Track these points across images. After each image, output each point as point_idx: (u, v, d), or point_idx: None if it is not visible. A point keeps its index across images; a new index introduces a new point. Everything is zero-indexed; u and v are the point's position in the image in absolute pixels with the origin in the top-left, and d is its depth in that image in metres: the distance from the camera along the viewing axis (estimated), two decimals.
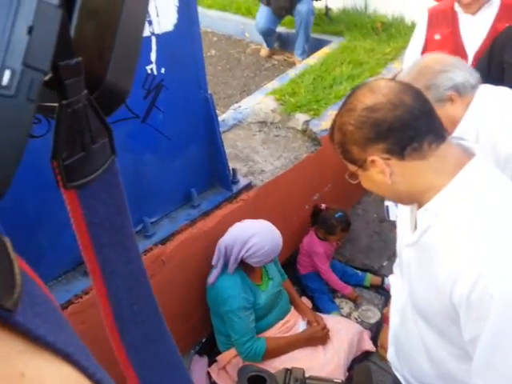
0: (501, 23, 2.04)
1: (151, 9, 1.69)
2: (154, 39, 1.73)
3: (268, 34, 3.79)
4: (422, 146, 0.87)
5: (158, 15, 1.71)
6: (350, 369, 2.14)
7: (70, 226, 0.33)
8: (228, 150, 2.60)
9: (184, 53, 1.85)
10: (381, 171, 0.90)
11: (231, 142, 2.72)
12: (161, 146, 1.91)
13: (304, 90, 3.01)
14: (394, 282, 1.24)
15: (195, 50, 1.90)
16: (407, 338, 1.13)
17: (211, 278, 1.98)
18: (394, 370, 1.27)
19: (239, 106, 3.03)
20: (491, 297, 0.82)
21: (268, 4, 3.61)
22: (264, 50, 4.00)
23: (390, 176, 0.90)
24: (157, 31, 1.73)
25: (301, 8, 3.51)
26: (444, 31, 2.18)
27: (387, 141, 0.87)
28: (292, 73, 3.33)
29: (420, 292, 1.01)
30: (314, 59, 3.42)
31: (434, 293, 0.94)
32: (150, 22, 1.70)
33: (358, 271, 2.70)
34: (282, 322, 2.13)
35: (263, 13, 3.66)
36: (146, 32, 1.70)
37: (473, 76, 1.41)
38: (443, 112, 1.36)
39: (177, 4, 1.76)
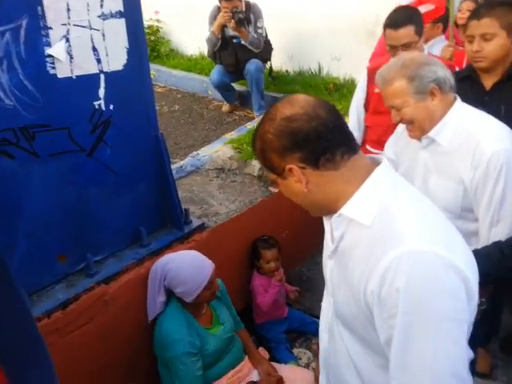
0: None
1: (100, 48, 1.75)
2: (102, 76, 1.78)
3: (222, 88, 4.01)
4: (335, 157, 0.91)
5: (107, 54, 1.78)
6: None
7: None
8: (184, 194, 2.61)
9: (133, 92, 1.90)
10: (298, 180, 0.93)
11: (187, 187, 2.73)
12: (107, 181, 1.89)
13: None
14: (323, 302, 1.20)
15: (145, 90, 1.96)
16: (335, 355, 1.08)
17: (149, 314, 1.90)
18: None
19: (197, 154, 3.08)
20: (397, 291, 0.81)
21: (220, 63, 3.96)
22: (225, 106, 4.18)
23: (306, 185, 0.93)
24: (105, 69, 1.78)
25: (249, 67, 3.79)
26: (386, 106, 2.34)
27: (303, 150, 0.91)
28: (250, 125, 3.45)
29: (340, 299, 1.00)
30: None
31: (351, 297, 0.93)
32: (99, 61, 1.76)
33: (317, 319, 2.62)
34: (233, 370, 2.01)
35: (216, 69, 4.00)
36: (95, 69, 1.76)
37: (451, 77, 1.50)
38: (423, 106, 1.45)
39: (127, 46, 1.83)
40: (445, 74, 1.46)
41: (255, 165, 2.87)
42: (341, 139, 0.92)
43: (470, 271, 0.87)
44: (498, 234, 1.44)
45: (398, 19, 2.07)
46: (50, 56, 1.61)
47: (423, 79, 1.42)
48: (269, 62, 4.09)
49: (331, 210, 0.97)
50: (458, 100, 1.52)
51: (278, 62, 4.32)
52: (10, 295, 0.61)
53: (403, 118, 1.49)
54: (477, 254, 1.39)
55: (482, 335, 2.20)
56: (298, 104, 0.93)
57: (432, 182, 1.57)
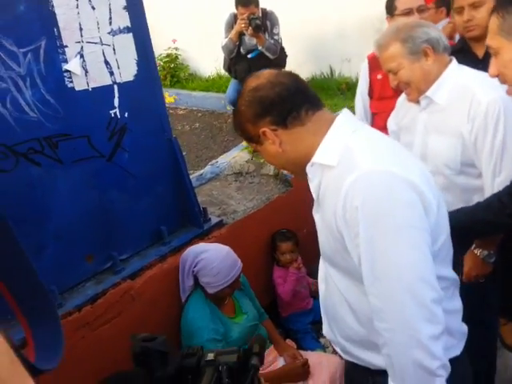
0: None
1: (112, 61, 1.93)
2: (116, 87, 1.95)
3: None
4: (300, 115, 1.03)
5: (118, 67, 1.95)
6: None
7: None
8: (203, 198, 2.72)
9: (145, 99, 2.06)
10: (272, 141, 1.05)
11: (207, 192, 2.85)
12: (127, 184, 2.03)
13: None
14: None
15: (156, 97, 2.11)
16: (330, 298, 1.16)
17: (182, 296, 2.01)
18: (333, 345, 1.27)
19: (216, 162, 3.21)
20: (356, 209, 0.89)
21: (235, 77, 4.01)
22: None
23: (279, 145, 1.05)
24: (118, 80, 1.95)
25: None
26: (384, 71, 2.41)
27: (271, 114, 1.03)
28: None
29: (322, 240, 1.10)
30: None
31: (328, 233, 1.03)
32: (112, 73, 1.93)
33: None
34: None
35: (231, 86, 4.11)
36: (108, 81, 1.93)
37: (445, 38, 1.56)
38: (418, 67, 1.52)
39: (136, 58, 2.00)
40: (438, 35, 1.52)
41: (271, 165, 2.96)
42: (303, 99, 1.04)
43: (426, 187, 0.94)
44: (502, 184, 1.44)
45: None
46: (68, 71, 1.79)
47: (416, 40, 1.49)
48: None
49: (305, 165, 1.06)
50: (454, 61, 1.56)
51: (290, 68, 4.46)
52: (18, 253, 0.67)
53: (400, 80, 1.55)
54: (478, 205, 1.42)
55: (507, 307, 2.15)
56: (263, 76, 1.07)
57: (431, 141, 1.60)
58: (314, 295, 2.67)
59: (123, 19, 1.95)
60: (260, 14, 3.83)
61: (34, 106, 1.73)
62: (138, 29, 2.00)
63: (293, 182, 2.77)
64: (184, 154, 3.74)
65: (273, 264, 2.60)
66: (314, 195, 1.09)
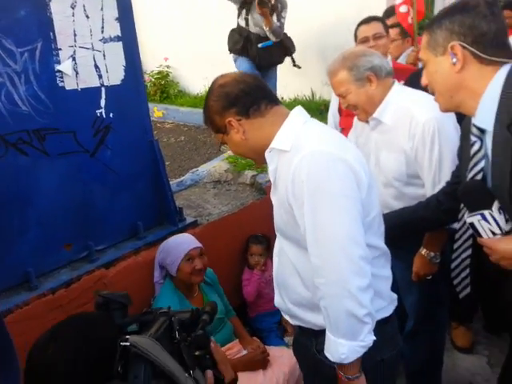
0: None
1: (101, 65, 2.11)
2: (103, 89, 2.12)
3: None
4: (260, 107, 1.23)
5: (107, 71, 2.13)
6: None
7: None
8: (181, 202, 2.87)
9: (130, 102, 2.23)
10: (237, 131, 1.24)
11: (185, 197, 3.00)
12: (108, 180, 2.18)
13: None
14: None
15: (140, 102, 2.29)
16: (283, 269, 1.33)
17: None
18: (283, 314, 1.42)
19: (197, 170, 3.37)
20: (302, 182, 1.06)
21: (244, 55, 3.90)
22: None
23: (243, 133, 1.24)
24: (106, 83, 2.13)
25: (269, 83, 3.77)
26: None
27: (236, 106, 1.23)
28: None
29: (277, 217, 1.27)
30: None
31: (280, 207, 1.21)
32: (100, 76, 2.11)
33: None
34: (223, 348, 2.17)
35: (243, 63, 3.96)
36: (97, 83, 2.10)
37: (388, 64, 1.76)
38: (364, 92, 1.70)
39: (124, 64, 2.19)
40: (380, 62, 1.72)
41: (248, 174, 3.14)
42: (263, 95, 1.25)
43: (359, 167, 1.14)
44: None
45: (368, 18, 2.46)
46: (60, 71, 1.97)
47: (360, 68, 1.69)
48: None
49: (266, 150, 1.24)
50: (396, 83, 1.78)
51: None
52: None
53: (349, 103, 1.75)
54: (419, 204, 1.61)
55: (461, 311, 2.31)
56: (229, 75, 1.28)
57: (382, 157, 1.80)
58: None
59: (114, 29, 2.14)
60: None
61: (27, 101, 1.89)
62: (128, 39, 2.19)
63: (267, 190, 2.94)
64: (167, 163, 3.90)
65: (245, 267, 2.74)
66: (272, 179, 1.27)
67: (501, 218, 1.23)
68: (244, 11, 3.87)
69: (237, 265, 2.74)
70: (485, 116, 1.18)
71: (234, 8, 3.98)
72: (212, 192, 3.08)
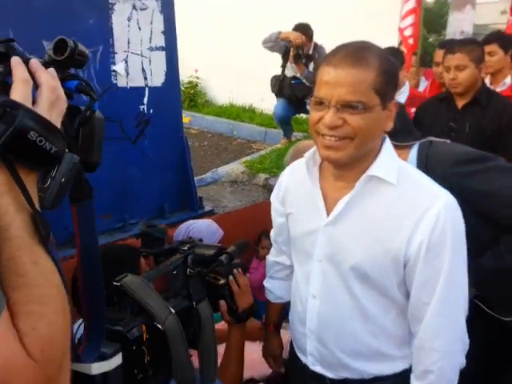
0: (408, 108, 2.77)
1: (147, 69, 2.53)
2: (147, 89, 2.54)
3: (284, 122, 4.36)
4: None
5: (151, 74, 2.55)
6: None
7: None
8: (201, 195, 3.25)
9: (167, 102, 2.64)
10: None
11: (205, 192, 3.38)
12: (144, 165, 2.58)
13: (269, 160, 3.77)
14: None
15: (175, 102, 2.71)
16: (338, 313, 1.15)
17: None
18: (313, 367, 1.22)
19: (216, 170, 3.77)
20: (446, 235, 1.02)
21: (282, 96, 4.23)
22: (283, 140, 4.45)
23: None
24: (149, 84, 2.55)
25: None
26: None
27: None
28: (262, 152, 4.15)
29: (357, 253, 1.10)
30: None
31: (379, 249, 1.08)
32: (146, 78, 2.53)
33: None
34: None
35: (279, 103, 4.28)
36: (142, 84, 2.52)
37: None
38: None
39: (165, 70, 2.61)
40: None
41: (261, 177, 3.52)
42: None
43: None
44: None
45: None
46: (114, 71, 2.39)
47: None
48: None
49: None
50: None
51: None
52: None
53: None
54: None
55: None
56: None
57: None
58: None
59: (160, 40, 2.57)
60: (311, 48, 4.12)
61: None
62: (170, 49, 2.62)
63: None
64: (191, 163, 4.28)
65: (253, 257, 3.08)
66: (340, 207, 1.08)
67: None
68: (283, 60, 4.18)
69: (246, 255, 3.09)
70: None
71: (263, 31, 4.42)
72: (228, 190, 3.46)
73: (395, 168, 1.07)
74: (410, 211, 1.03)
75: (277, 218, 1.35)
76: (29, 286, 0.55)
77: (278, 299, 1.48)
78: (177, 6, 2.70)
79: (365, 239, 1.08)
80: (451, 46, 2.47)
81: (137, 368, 0.92)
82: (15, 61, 0.65)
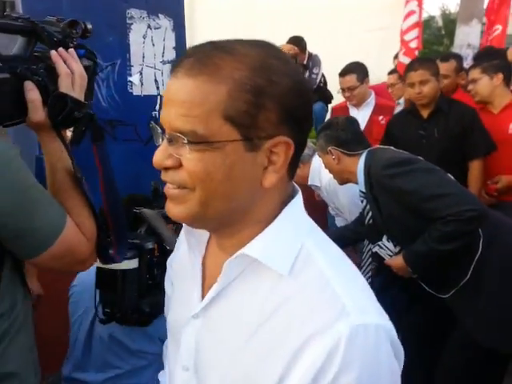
0: (375, 115, 3.27)
1: (160, 80, 2.86)
2: (158, 97, 2.87)
3: None
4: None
5: (163, 85, 2.88)
6: None
7: None
8: None
9: None
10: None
11: None
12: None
13: None
14: None
15: None
16: None
17: None
18: None
19: None
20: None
21: None
22: None
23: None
24: (161, 93, 2.87)
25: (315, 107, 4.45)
26: None
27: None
28: None
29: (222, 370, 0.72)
30: None
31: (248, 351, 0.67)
32: (158, 87, 2.86)
33: None
34: None
35: None
36: (155, 92, 2.85)
37: (310, 149, 2.49)
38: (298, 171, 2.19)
39: None
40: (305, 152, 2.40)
41: None
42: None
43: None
44: None
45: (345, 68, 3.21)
46: (130, 81, 2.72)
47: None
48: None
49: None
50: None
51: None
52: None
53: None
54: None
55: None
56: None
57: None
58: None
59: (171, 55, 2.91)
60: (306, 59, 4.48)
61: (106, 99, 2.64)
62: None
63: None
64: None
65: None
66: (200, 299, 0.74)
67: (390, 245, 1.96)
68: None
69: None
70: (361, 184, 1.97)
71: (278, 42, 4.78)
72: None
73: (294, 249, 0.66)
74: (293, 328, 0.61)
75: (167, 289, 0.96)
76: (73, 198, 1.10)
77: None
78: (187, 24, 3.05)
79: (231, 351, 0.68)
80: (411, 65, 2.84)
81: (148, 274, 1.24)
82: (55, 55, 1.07)
